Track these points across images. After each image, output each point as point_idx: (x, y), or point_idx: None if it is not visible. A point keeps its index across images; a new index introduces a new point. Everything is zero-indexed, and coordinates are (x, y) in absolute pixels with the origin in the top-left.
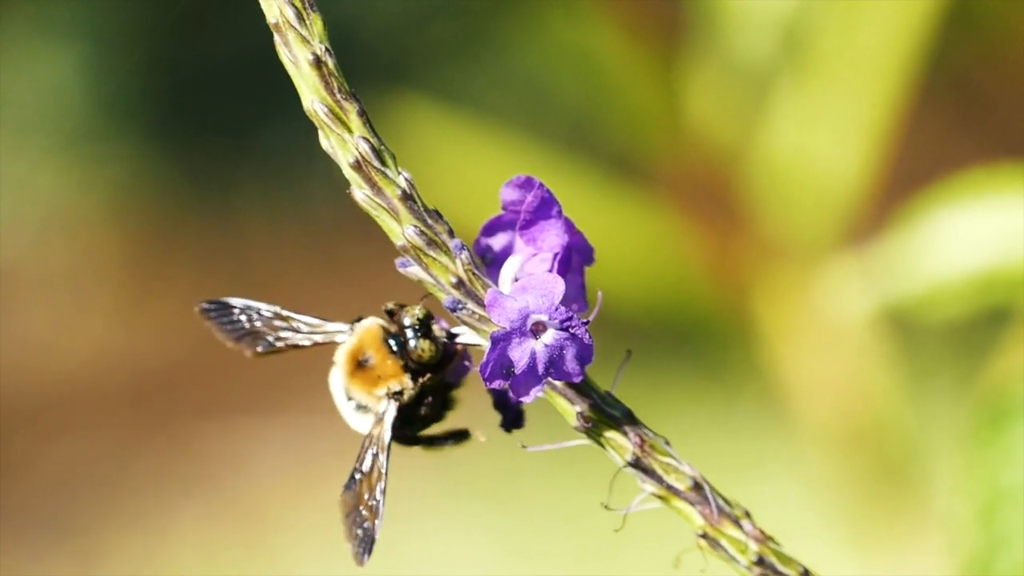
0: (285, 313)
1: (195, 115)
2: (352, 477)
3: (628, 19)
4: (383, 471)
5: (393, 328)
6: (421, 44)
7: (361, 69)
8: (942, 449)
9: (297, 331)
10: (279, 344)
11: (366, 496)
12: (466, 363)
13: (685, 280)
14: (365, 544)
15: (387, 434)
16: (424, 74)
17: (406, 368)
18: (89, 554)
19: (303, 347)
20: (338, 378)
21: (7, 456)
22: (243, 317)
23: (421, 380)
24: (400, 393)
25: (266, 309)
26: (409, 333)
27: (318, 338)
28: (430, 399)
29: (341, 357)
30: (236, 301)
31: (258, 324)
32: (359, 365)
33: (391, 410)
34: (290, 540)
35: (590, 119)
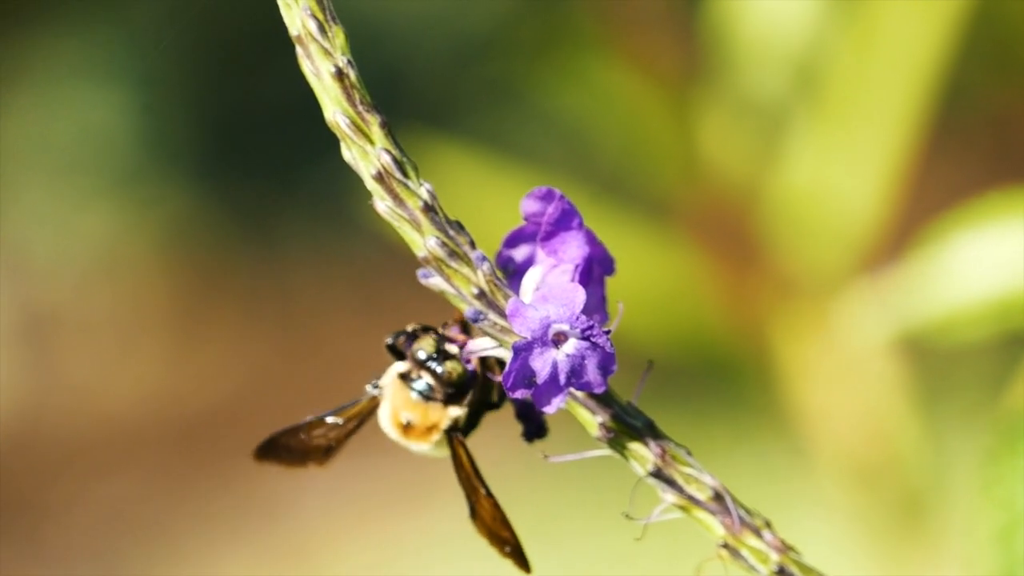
0: (320, 418)
1: (241, 157)
2: (471, 506)
3: (641, 58)
4: (490, 495)
5: (413, 373)
6: (460, 87)
7: (403, 111)
8: (961, 475)
9: (340, 426)
10: (333, 447)
11: (490, 519)
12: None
13: (702, 316)
14: (519, 556)
15: (471, 462)
16: (459, 117)
17: (447, 400)
18: None
19: (355, 431)
20: (393, 437)
21: (53, 498)
22: (292, 442)
23: (466, 400)
24: (456, 426)
25: (304, 424)
26: (432, 365)
27: (360, 418)
28: (478, 401)
29: (387, 425)
30: (278, 432)
31: (306, 440)
32: (407, 428)
33: (459, 441)
34: None
35: (605, 156)
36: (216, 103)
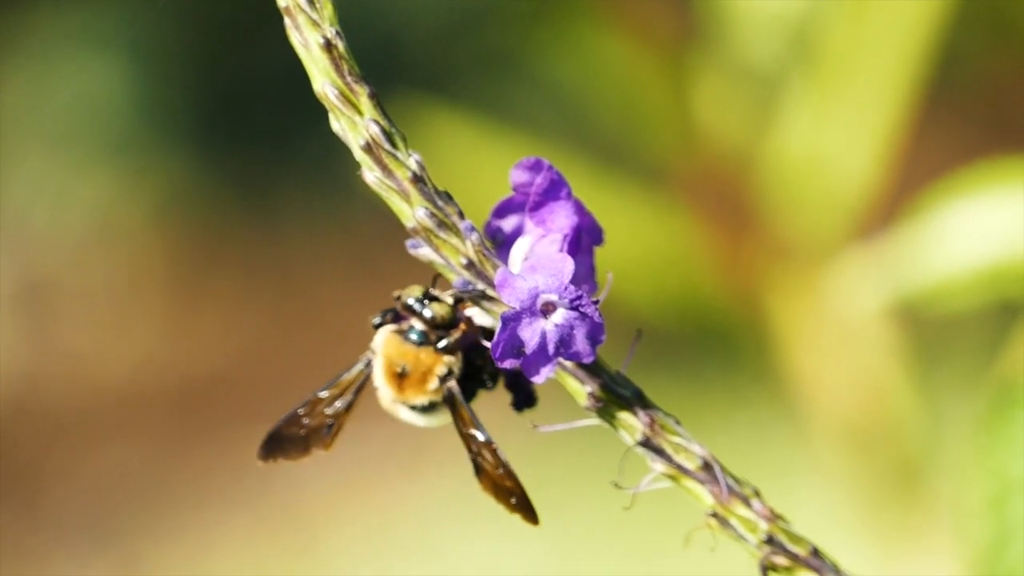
0: (317, 395)
1: (238, 125)
2: (474, 463)
3: (637, 25)
4: (490, 442)
5: (404, 325)
6: (458, 55)
7: (400, 79)
8: (954, 442)
9: (337, 399)
10: (334, 423)
11: (493, 471)
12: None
13: (698, 282)
14: (526, 508)
15: (469, 411)
16: (456, 85)
17: (438, 349)
18: (133, 562)
19: (353, 403)
20: (389, 399)
21: (50, 464)
22: (293, 430)
23: (453, 339)
24: (450, 373)
25: (301, 407)
26: (418, 307)
27: (356, 387)
28: (475, 355)
29: (381, 381)
30: (277, 424)
31: (307, 422)
32: (400, 377)
33: (456, 391)
34: (336, 546)
35: (601, 123)
36: (213, 71)
